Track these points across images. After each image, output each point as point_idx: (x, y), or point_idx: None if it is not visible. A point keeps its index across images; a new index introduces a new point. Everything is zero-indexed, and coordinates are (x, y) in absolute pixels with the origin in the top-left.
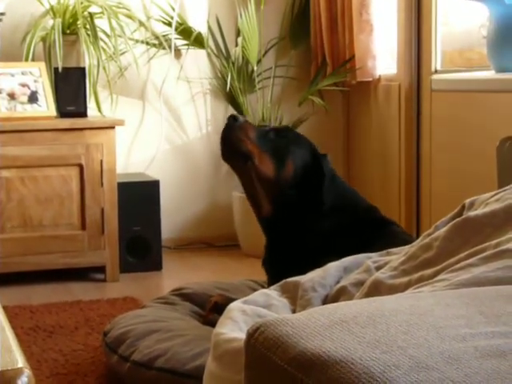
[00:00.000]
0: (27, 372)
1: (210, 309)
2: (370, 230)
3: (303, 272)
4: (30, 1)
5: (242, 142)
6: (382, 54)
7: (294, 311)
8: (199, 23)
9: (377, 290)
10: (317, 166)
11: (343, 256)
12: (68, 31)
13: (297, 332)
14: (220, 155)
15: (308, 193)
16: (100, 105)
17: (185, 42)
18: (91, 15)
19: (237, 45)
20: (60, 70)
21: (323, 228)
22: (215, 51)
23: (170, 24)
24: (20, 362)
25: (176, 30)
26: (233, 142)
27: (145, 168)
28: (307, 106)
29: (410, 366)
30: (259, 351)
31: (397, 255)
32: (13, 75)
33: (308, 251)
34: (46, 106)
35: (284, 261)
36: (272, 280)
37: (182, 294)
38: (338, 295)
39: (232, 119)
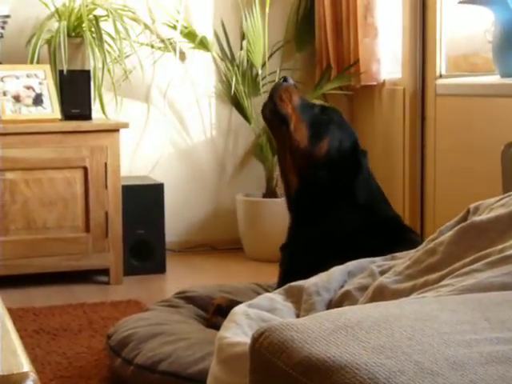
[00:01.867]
0: (33, 376)
1: (213, 311)
2: (393, 235)
3: (314, 263)
4: (36, 3)
5: (283, 104)
6: (387, 58)
7: (298, 315)
8: (204, 26)
9: (381, 294)
10: (355, 157)
11: (364, 254)
12: (73, 34)
13: (302, 337)
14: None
15: (339, 181)
16: (105, 107)
17: (190, 45)
18: (96, 18)
19: (242, 48)
20: (65, 72)
21: (350, 223)
22: (220, 54)
23: (175, 27)
24: (25, 365)
25: (181, 33)
26: (274, 101)
27: (149, 171)
28: None
29: (414, 371)
30: (264, 356)
31: (401, 260)
32: (18, 78)
33: (322, 244)
34: (51, 109)
35: (299, 248)
36: (284, 265)
37: (186, 297)
38: (342, 299)
39: (282, 79)
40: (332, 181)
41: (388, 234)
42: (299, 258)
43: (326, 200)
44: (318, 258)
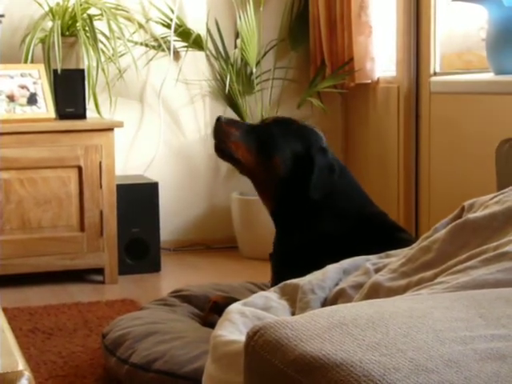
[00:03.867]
0: (27, 375)
1: (209, 308)
2: (376, 236)
3: (305, 269)
4: (30, 3)
5: (223, 143)
6: (381, 56)
7: (293, 313)
8: (198, 25)
9: (376, 292)
10: (308, 157)
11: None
12: (67, 33)
13: (296, 335)
14: (218, 157)
15: (304, 186)
16: (99, 107)
17: (184, 43)
18: (90, 17)
19: (236, 47)
20: (59, 71)
21: (327, 229)
22: (214, 53)
23: (169, 26)
24: (20, 364)
25: (175, 31)
26: (218, 144)
27: (144, 170)
28: (306, 107)
29: (409, 368)
30: (259, 354)
31: (396, 257)
32: (12, 77)
33: (311, 250)
34: (45, 108)
35: (287, 256)
36: (274, 274)
37: (181, 296)
38: (336, 297)
39: (216, 121)
40: (298, 188)
41: (375, 235)
42: (289, 266)
43: (300, 209)
44: (306, 263)
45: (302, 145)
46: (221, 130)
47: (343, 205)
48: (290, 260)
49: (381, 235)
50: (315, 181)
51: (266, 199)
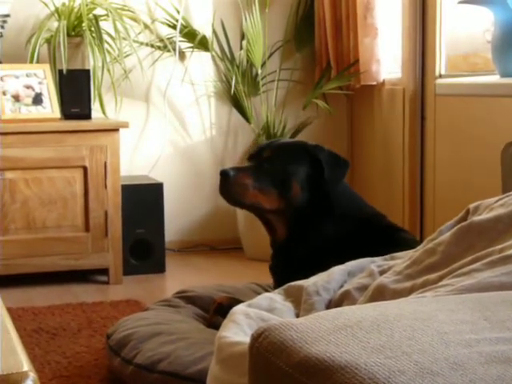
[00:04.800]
0: (32, 376)
1: (214, 310)
2: (378, 237)
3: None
4: (35, 3)
5: (241, 197)
6: (387, 58)
7: (297, 315)
8: (204, 26)
9: (381, 294)
10: (315, 162)
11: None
12: (73, 33)
13: (301, 337)
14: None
15: (317, 197)
16: (104, 107)
17: (189, 44)
18: (96, 17)
19: (241, 48)
20: (64, 72)
21: (329, 234)
22: (220, 54)
23: (174, 27)
24: (25, 365)
25: (181, 32)
26: (235, 199)
27: (149, 170)
28: (311, 109)
29: (414, 371)
30: (263, 356)
31: (401, 260)
32: (17, 77)
33: (314, 258)
34: (51, 108)
35: (290, 267)
36: (278, 285)
37: (186, 297)
38: (341, 299)
39: (224, 176)
40: (313, 202)
41: (372, 237)
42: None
43: (311, 222)
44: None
45: (307, 158)
46: (234, 184)
47: (344, 207)
48: (296, 269)
49: (383, 236)
50: (330, 175)
51: (280, 229)
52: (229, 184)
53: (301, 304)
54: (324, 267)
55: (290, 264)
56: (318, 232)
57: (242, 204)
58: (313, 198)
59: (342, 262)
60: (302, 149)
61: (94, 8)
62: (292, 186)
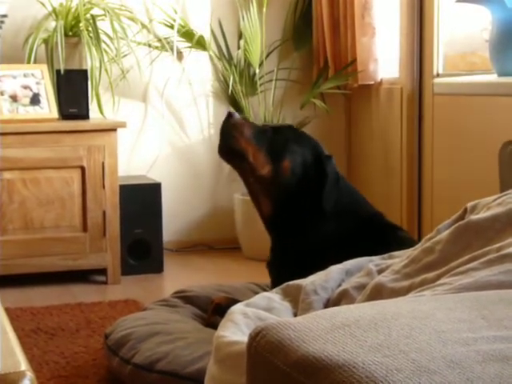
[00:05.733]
0: (30, 375)
1: (212, 310)
2: (377, 236)
3: (306, 276)
4: (33, 3)
5: (235, 140)
6: (384, 57)
7: (295, 314)
8: (201, 26)
9: (379, 293)
10: (319, 166)
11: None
12: (70, 33)
13: (299, 336)
14: (222, 155)
15: (309, 194)
16: (102, 107)
17: (187, 44)
18: (93, 17)
19: (239, 47)
20: (62, 72)
21: (327, 232)
22: (217, 54)
23: (172, 26)
24: (22, 365)
25: (178, 32)
26: (227, 140)
27: (146, 170)
28: (309, 108)
29: (412, 370)
30: (261, 355)
31: (399, 258)
32: (15, 77)
33: (312, 255)
34: (48, 108)
35: (287, 263)
36: (275, 283)
37: (184, 297)
38: (339, 298)
39: (227, 116)
40: (302, 195)
41: (370, 236)
42: (292, 272)
43: (302, 215)
44: (300, 271)
45: (311, 151)
46: (234, 126)
47: (344, 205)
48: (293, 265)
49: (382, 234)
50: (328, 194)
51: (264, 204)
52: (229, 124)
53: (299, 303)
54: (322, 265)
55: (288, 261)
56: (317, 229)
57: (232, 151)
58: (302, 191)
59: (340, 259)
60: (312, 144)
61: (92, 8)
62: (284, 162)
